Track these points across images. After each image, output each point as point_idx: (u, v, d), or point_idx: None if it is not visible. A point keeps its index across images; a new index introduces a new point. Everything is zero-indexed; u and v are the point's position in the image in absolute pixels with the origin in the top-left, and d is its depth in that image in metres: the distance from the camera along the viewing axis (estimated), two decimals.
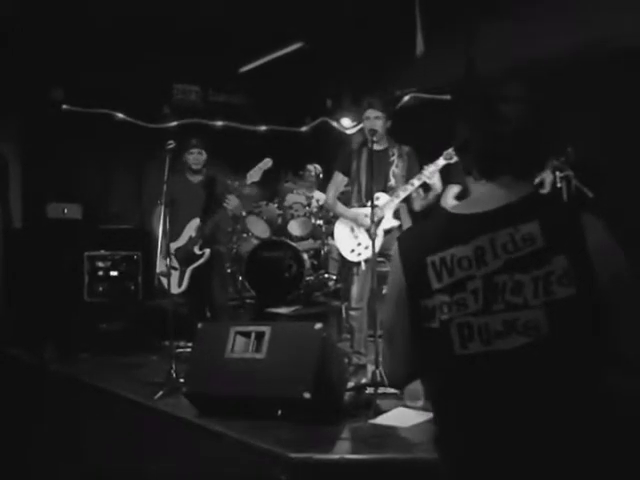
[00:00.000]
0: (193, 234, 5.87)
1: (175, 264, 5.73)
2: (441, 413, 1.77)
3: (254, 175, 5.66)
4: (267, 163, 5.69)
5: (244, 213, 7.71)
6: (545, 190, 5.03)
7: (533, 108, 1.72)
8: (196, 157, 6.03)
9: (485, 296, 1.62)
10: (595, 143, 5.61)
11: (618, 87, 5.78)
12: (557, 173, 5.11)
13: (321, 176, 8.11)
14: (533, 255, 1.59)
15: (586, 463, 1.56)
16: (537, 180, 5.03)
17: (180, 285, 5.83)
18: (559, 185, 5.12)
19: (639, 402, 1.66)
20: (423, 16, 6.54)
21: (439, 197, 5.08)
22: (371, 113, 4.87)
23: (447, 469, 1.74)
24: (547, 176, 5.05)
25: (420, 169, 4.83)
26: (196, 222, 5.89)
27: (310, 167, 8.18)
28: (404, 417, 3.72)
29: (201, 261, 5.86)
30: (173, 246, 5.60)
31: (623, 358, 1.61)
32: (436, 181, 4.80)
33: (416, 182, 4.76)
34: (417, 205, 4.97)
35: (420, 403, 3.91)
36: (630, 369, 1.62)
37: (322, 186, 7.88)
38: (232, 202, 5.73)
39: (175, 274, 5.74)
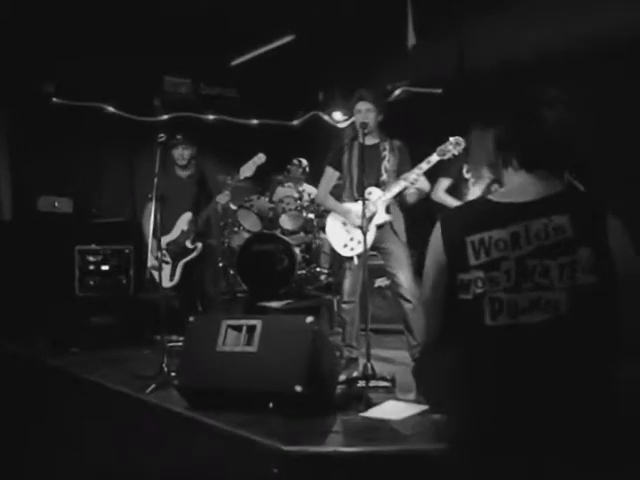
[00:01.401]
0: (185, 228, 5.87)
1: (167, 258, 5.74)
2: (471, 376, 1.94)
3: (247, 170, 5.65)
4: (261, 158, 5.68)
5: (235, 207, 7.70)
6: None
7: (569, 111, 1.96)
8: (181, 152, 6.02)
9: (516, 276, 1.83)
10: (588, 138, 5.61)
11: (611, 83, 5.78)
12: None
13: (307, 170, 8.10)
14: (561, 244, 1.80)
15: (589, 433, 1.75)
16: None
17: (172, 279, 5.83)
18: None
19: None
20: (414, 9, 6.54)
21: (430, 191, 5.10)
22: (362, 105, 4.86)
23: (469, 431, 1.91)
24: None
25: (412, 164, 4.84)
26: (188, 216, 5.88)
27: (295, 161, 8.16)
28: (396, 410, 3.74)
29: (193, 255, 5.86)
30: (165, 240, 5.60)
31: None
32: (423, 181, 4.81)
33: (410, 178, 4.75)
34: (410, 199, 4.97)
35: (411, 396, 3.93)
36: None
37: (309, 180, 7.90)
38: (224, 197, 5.73)
39: (167, 268, 5.74)
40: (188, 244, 5.85)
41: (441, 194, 5.48)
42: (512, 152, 1.97)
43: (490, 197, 2.01)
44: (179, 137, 6.04)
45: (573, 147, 1.99)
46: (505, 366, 1.83)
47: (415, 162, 4.81)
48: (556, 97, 1.97)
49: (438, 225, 2.01)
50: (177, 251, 5.85)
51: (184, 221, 5.88)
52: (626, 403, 1.79)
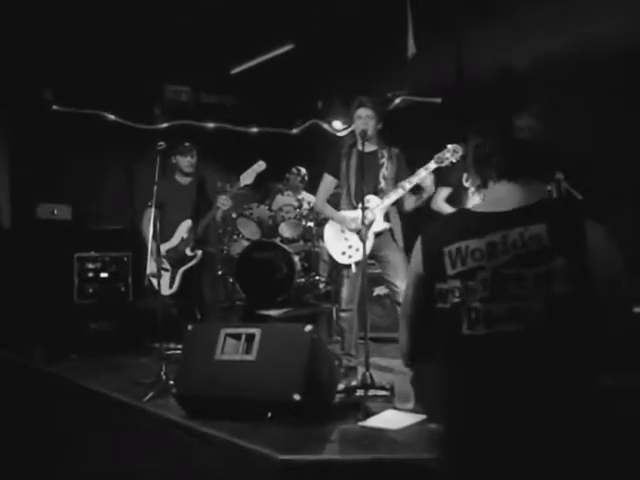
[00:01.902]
0: (185, 235, 5.87)
1: (166, 265, 5.73)
2: (448, 385, 1.98)
3: (247, 177, 5.65)
4: (261, 166, 5.68)
5: (235, 215, 7.70)
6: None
7: (542, 120, 2.00)
8: (190, 160, 6.03)
9: (492, 285, 1.84)
10: (586, 146, 5.63)
11: (607, 90, 5.80)
12: None
13: (306, 178, 8.11)
14: (538, 253, 1.81)
15: (567, 443, 1.75)
16: None
17: (171, 286, 5.82)
18: (549, 188, 5.13)
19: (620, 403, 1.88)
20: (414, 18, 6.55)
21: (430, 199, 5.10)
22: (362, 112, 4.86)
23: (451, 438, 1.95)
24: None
25: (410, 172, 4.84)
26: (188, 223, 5.88)
27: (294, 170, 8.17)
28: (394, 419, 3.73)
29: (192, 262, 5.86)
30: (164, 247, 5.61)
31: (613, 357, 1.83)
32: (429, 183, 4.79)
33: (407, 185, 4.76)
34: (407, 206, 4.97)
35: (410, 405, 3.92)
36: (617, 368, 1.85)
37: (308, 188, 7.90)
38: (226, 203, 5.72)
39: (166, 275, 5.73)
40: (188, 252, 5.84)
41: (440, 203, 5.49)
42: (491, 165, 1.99)
43: (469, 208, 2.06)
44: (187, 145, 6.05)
45: (552, 154, 2.02)
46: (482, 375, 1.85)
47: (413, 170, 4.82)
48: (530, 109, 2.02)
49: (419, 239, 2.06)
50: (177, 258, 5.84)
51: (184, 229, 5.88)
52: (607, 410, 1.80)
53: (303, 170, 8.16)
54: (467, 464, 1.87)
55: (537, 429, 1.76)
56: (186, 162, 6.03)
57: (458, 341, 1.88)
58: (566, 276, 1.77)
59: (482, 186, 2.03)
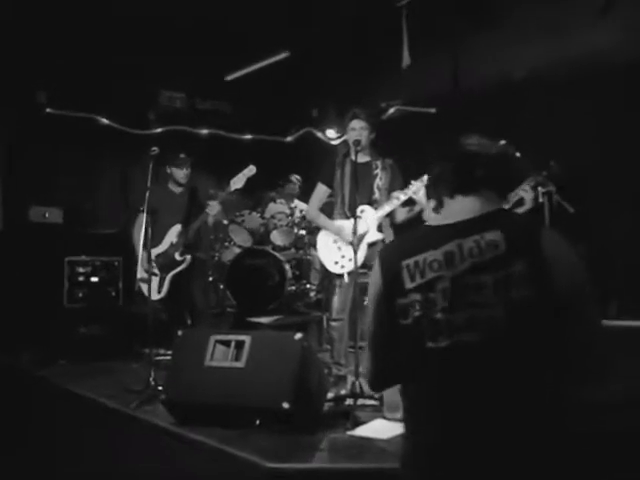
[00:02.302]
0: (174, 240, 5.86)
1: (155, 270, 5.72)
2: (411, 400, 1.97)
3: (237, 182, 5.66)
4: (251, 170, 5.69)
5: (226, 221, 7.69)
6: (525, 208, 5.06)
7: (492, 143, 2.05)
8: (185, 172, 6.03)
9: (452, 295, 1.84)
10: (578, 158, 5.67)
11: (602, 102, 5.84)
12: (539, 189, 5.15)
13: (301, 186, 8.14)
14: (495, 259, 1.81)
15: (533, 450, 1.74)
16: (515, 198, 5.07)
17: (159, 291, 5.81)
18: (541, 200, 5.16)
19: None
20: (409, 28, 6.58)
21: (422, 211, 5.10)
22: (356, 124, 4.88)
23: (415, 452, 1.93)
24: (526, 194, 5.09)
25: (405, 183, 4.85)
26: (177, 228, 5.88)
27: (293, 179, 8.20)
28: (383, 429, 3.72)
29: (181, 267, 5.85)
30: (154, 252, 5.60)
31: (575, 363, 1.81)
32: (421, 196, 4.80)
33: (402, 197, 4.76)
34: (399, 218, 4.99)
35: (399, 415, 3.91)
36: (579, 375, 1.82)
37: (301, 196, 7.91)
38: (214, 208, 5.73)
39: (155, 280, 5.72)
40: (177, 256, 5.84)
41: (432, 214, 5.49)
42: (442, 183, 2.04)
43: (427, 223, 2.09)
44: (182, 156, 6.04)
45: (503, 166, 2.05)
46: (445, 387, 1.84)
47: (407, 180, 4.82)
48: (477, 135, 2.06)
49: (377, 258, 2.07)
50: (165, 263, 5.83)
51: (173, 233, 5.88)
52: (574, 417, 1.80)
53: (300, 179, 8.20)
54: (432, 478, 1.85)
55: (501, 440, 1.75)
56: (182, 174, 6.03)
57: (421, 355, 1.87)
58: (525, 281, 1.76)
59: (439, 206, 2.06)
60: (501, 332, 1.76)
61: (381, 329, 2.03)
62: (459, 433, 1.79)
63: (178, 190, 6.10)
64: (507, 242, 1.80)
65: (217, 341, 3.92)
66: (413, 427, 1.96)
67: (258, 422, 3.65)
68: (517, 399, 1.76)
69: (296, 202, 7.91)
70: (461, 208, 1.97)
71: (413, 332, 1.88)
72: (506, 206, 4.85)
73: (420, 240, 1.99)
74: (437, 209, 2.07)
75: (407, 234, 2.21)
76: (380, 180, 4.96)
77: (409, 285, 1.90)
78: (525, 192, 5.08)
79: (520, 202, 5.11)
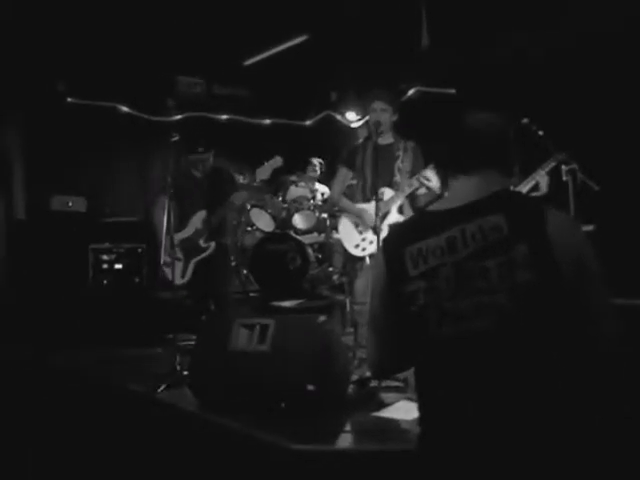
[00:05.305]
0: (199, 226, 5.87)
1: (179, 255, 5.73)
2: (422, 391, 1.93)
3: (263, 173, 5.66)
4: (277, 162, 5.68)
5: (248, 206, 7.70)
6: (540, 192, 4.99)
7: (493, 118, 2.01)
8: (207, 158, 5.98)
9: (456, 281, 1.80)
10: (602, 137, 5.61)
11: (625, 80, 5.77)
12: (563, 167, 5.07)
13: (323, 169, 8.13)
14: (498, 243, 1.77)
15: (548, 435, 1.68)
16: (532, 183, 4.99)
17: (183, 276, 5.82)
18: (565, 179, 5.08)
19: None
20: (428, 8, 6.52)
21: (441, 195, 5.07)
22: (378, 105, 4.85)
23: (428, 444, 1.89)
24: (542, 179, 5.00)
25: (425, 165, 4.82)
26: (202, 214, 5.87)
27: (315, 161, 8.18)
28: (407, 410, 3.72)
29: (206, 254, 5.86)
30: (178, 237, 5.60)
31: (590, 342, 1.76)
32: (434, 181, 4.76)
33: (423, 180, 4.73)
34: (421, 201, 4.95)
35: None
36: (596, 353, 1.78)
37: (322, 179, 7.90)
38: (240, 197, 5.73)
39: (179, 265, 5.73)
40: (201, 243, 5.84)
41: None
42: (445, 162, 2.02)
43: (428, 208, 2.04)
44: (203, 142, 6.02)
45: (503, 143, 2.00)
46: (455, 375, 1.80)
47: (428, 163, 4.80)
48: (478, 111, 2.04)
49: (380, 243, 2.05)
50: (190, 249, 5.84)
51: (198, 219, 5.88)
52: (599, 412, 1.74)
53: (322, 161, 8.19)
54: (445, 468, 1.81)
55: (511, 428, 1.70)
56: (202, 166, 5.98)
57: (428, 343, 1.85)
58: (528, 264, 1.72)
59: (444, 186, 2.03)
60: (507, 319, 1.72)
61: (385, 317, 2.01)
62: (468, 424, 1.76)
63: (200, 176, 6.10)
64: (509, 225, 1.76)
65: (241, 325, 3.93)
66: (423, 414, 1.94)
67: (283, 405, 3.66)
68: (526, 386, 1.71)
69: (317, 185, 7.89)
70: (465, 189, 1.94)
71: (417, 320, 1.86)
72: (524, 189, 4.83)
73: (421, 226, 1.96)
74: (444, 189, 2.04)
75: (409, 219, 2.19)
76: (402, 162, 4.93)
77: (413, 272, 1.88)
78: (541, 177, 5.00)
79: (535, 187, 5.03)
